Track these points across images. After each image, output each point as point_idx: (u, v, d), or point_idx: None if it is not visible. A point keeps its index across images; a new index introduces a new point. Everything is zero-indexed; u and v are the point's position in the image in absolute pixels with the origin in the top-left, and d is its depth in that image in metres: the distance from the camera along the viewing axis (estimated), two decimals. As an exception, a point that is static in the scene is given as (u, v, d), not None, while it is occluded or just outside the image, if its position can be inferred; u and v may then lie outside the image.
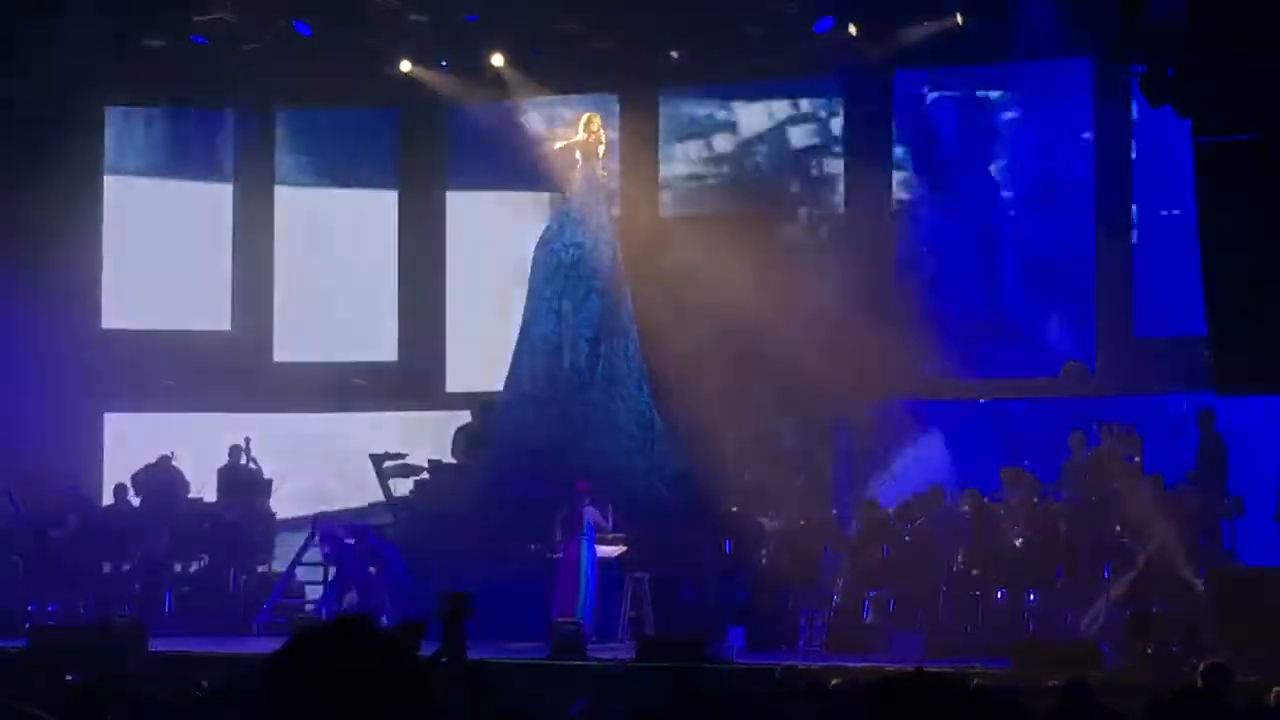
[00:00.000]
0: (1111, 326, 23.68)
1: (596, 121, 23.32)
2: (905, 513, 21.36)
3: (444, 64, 26.13)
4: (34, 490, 23.92)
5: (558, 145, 23.57)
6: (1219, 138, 16.55)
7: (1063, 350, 24.10)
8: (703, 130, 26.03)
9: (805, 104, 25.61)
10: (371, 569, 22.64)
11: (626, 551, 21.17)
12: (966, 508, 21.00)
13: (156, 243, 26.84)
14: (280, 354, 27.06)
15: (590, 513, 20.96)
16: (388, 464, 24.50)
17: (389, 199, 27.25)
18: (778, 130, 25.65)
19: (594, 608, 20.60)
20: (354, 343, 27.00)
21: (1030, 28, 23.10)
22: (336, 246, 27.15)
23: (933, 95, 25.04)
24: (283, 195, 27.26)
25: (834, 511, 22.10)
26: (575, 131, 23.36)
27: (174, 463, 24.68)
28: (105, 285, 26.80)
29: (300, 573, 24.23)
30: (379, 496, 24.59)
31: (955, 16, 23.70)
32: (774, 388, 24.00)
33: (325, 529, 23.24)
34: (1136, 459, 21.30)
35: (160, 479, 24.54)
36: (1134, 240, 23.73)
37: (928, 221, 24.91)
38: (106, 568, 23.78)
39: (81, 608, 23.12)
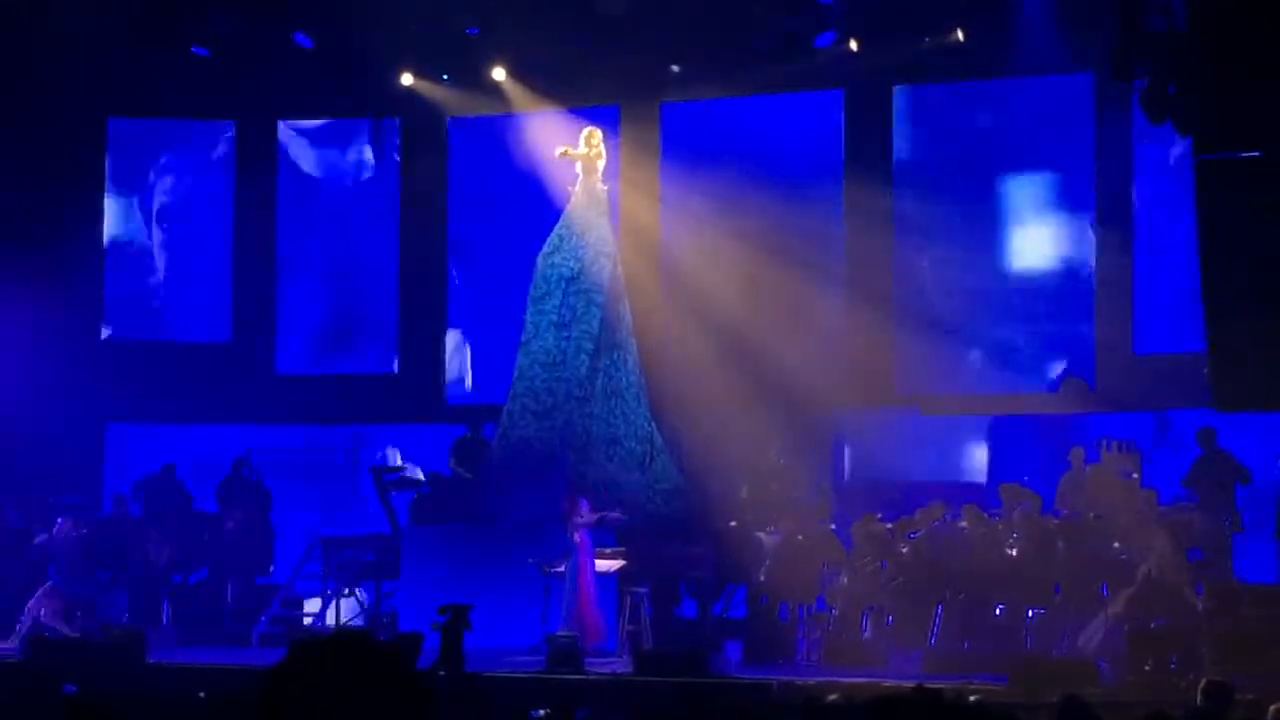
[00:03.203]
0: (1111, 342, 23.68)
1: (598, 136, 23.32)
2: (904, 528, 21.35)
3: (445, 77, 26.16)
4: (34, 500, 23.91)
5: (560, 151, 23.57)
6: (1219, 154, 16.56)
7: (1063, 366, 24.10)
8: (702, 143, 26.03)
9: (806, 117, 25.61)
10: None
11: (624, 566, 21.15)
12: (965, 523, 21.00)
13: (158, 254, 26.87)
14: (282, 366, 27.08)
15: (577, 524, 20.85)
16: (387, 477, 24.51)
17: (392, 210, 27.24)
18: (778, 143, 25.65)
19: (572, 622, 20.45)
20: (356, 355, 27.02)
21: (1031, 43, 23.12)
22: (339, 257, 27.18)
23: (933, 110, 25.05)
24: (284, 204, 27.28)
25: (832, 527, 22.08)
26: (576, 145, 23.38)
27: (175, 474, 24.70)
28: (106, 296, 26.83)
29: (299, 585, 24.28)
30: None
31: (957, 32, 23.73)
32: (773, 402, 24.01)
33: None
34: (1135, 475, 21.30)
35: (161, 490, 24.55)
36: (1134, 256, 23.74)
37: (928, 235, 24.91)
38: (104, 578, 23.77)
39: (79, 618, 23.09)
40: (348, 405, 26.31)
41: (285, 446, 26.03)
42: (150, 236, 27.04)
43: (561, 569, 20.81)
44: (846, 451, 24.26)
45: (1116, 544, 20.05)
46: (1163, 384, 22.48)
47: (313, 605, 24.05)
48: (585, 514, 20.85)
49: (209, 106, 26.73)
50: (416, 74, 25.96)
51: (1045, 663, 17.95)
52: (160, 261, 27.04)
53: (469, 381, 26.98)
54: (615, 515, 21.32)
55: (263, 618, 23.29)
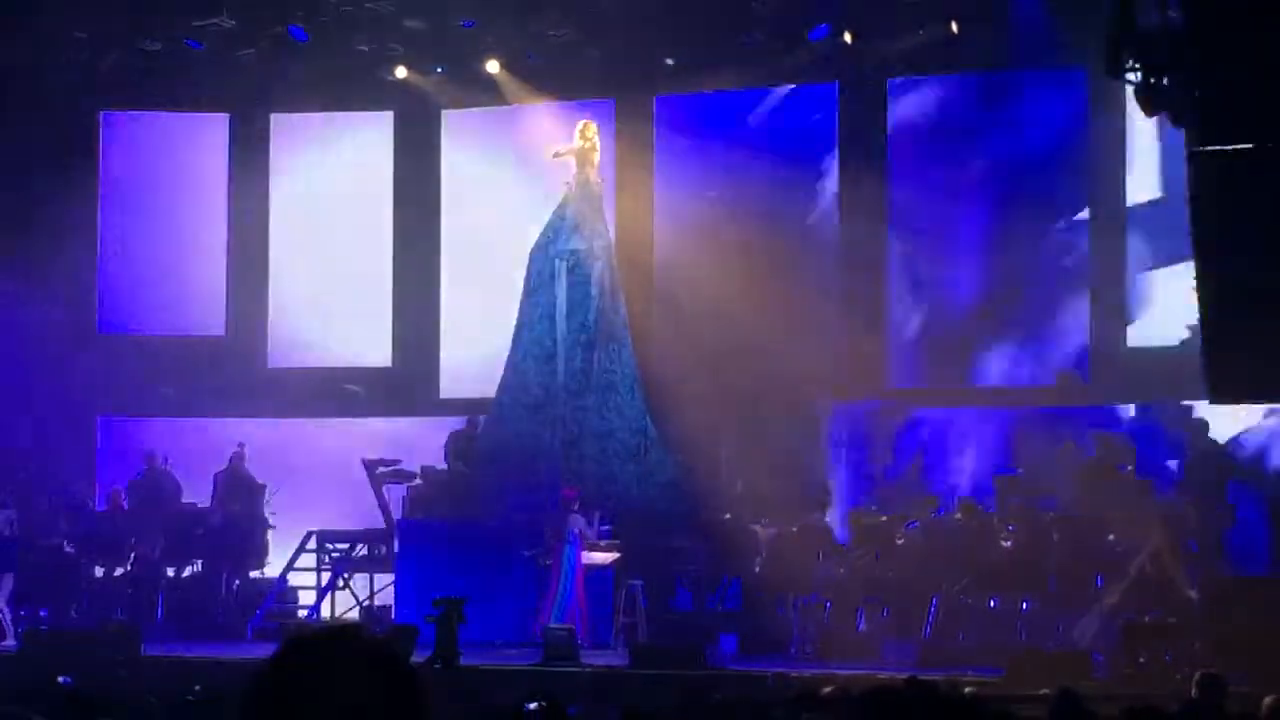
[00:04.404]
0: (1105, 335, 23.67)
1: (592, 128, 23.34)
2: (898, 520, 21.36)
3: (439, 69, 26.14)
4: (27, 495, 23.90)
5: (554, 153, 23.58)
6: (1213, 148, 16.55)
7: (1057, 358, 24.08)
8: (696, 136, 26.02)
9: (799, 110, 25.60)
10: None
11: (619, 558, 21.17)
12: (960, 515, 21.01)
13: (151, 248, 26.85)
14: (274, 359, 27.05)
15: (575, 520, 20.95)
16: (381, 470, 24.49)
17: (385, 203, 27.21)
18: (772, 136, 25.64)
19: (572, 615, 20.53)
20: (349, 348, 26.99)
21: (1025, 37, 23.11)
22: (332, 251, 27.13)
23: (928, 104, 25.04)
24: (278, 198, 27.23)
25: (827, 519, 22.09)
26: (571, 139, 23.38)
27: (167, 468, 24.66)
28: (100, 290, 26.80)
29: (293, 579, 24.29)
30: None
31: (950, 25, 23.71)
32: (768, 394, 24.02)
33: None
34: (1129, 468, 21.32)
35: (154, 484, 24.52)
36: (1128, 249, 23.72)
37: (921, 228, 24.90)
38: (99, 572, 23.76)
39: (74, 612, 23.09)
40: (342, 398, 26.26)
41: (280, 440, 25.99)
42: (143, 230, 26.98)
43: (551, 562, 20.86)
44: (842, 443, 24.26)
45: (1111, 537, 20.07)
46: (1157, 376, 22.47)
47: (307, 599, 24.06)
48: (582, 522, 20.94)
49: (202, 100, 26.69)
50: (410, 67, 25.94)
51: (1040, 655, 17.97)
52: (153, 255, 26.98)
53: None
54: (604, 546, 21.26)
55: (257, 612, 23.29)
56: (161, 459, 24.63)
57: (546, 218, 23.76)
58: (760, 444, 23.56)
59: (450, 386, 26.67)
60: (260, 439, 25.16)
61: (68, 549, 23.31)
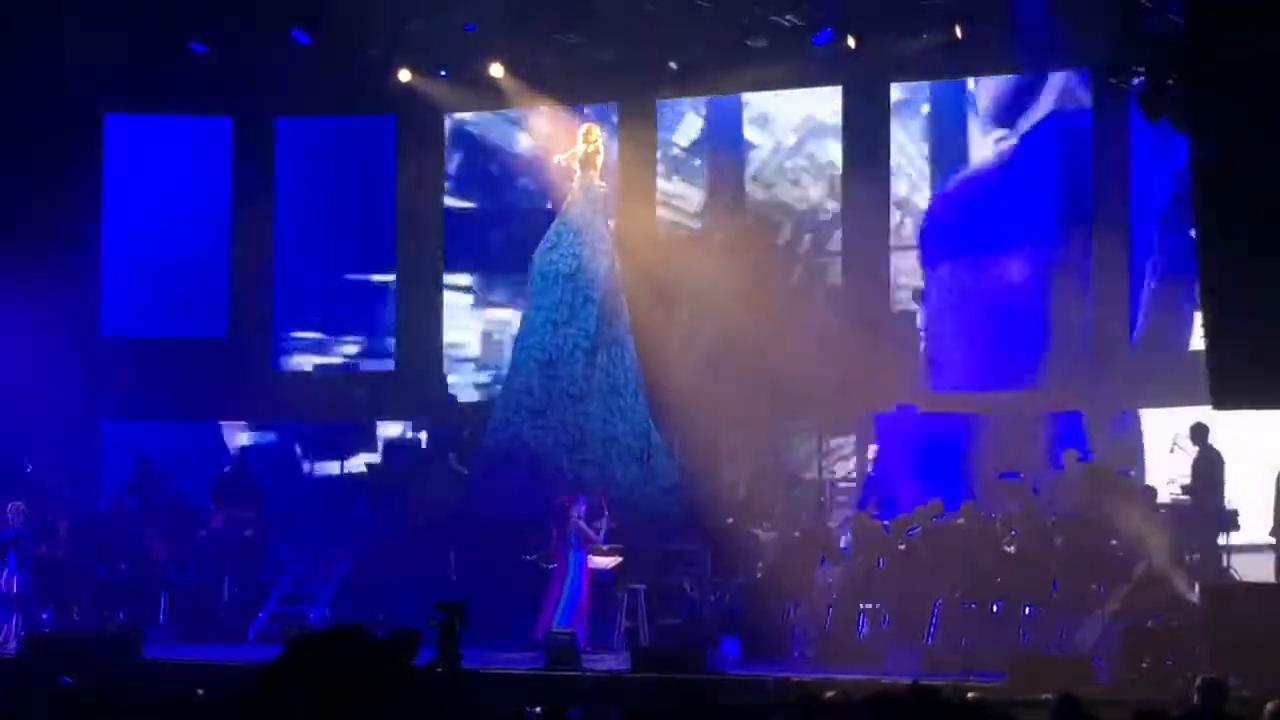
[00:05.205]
0: (1108, 339, 23.66)
1: (595, 132, 23.35)
2: (900, 525, 21.35)
3: (443, 73, 26.15)
4: (31, 497, 23.90)
5: (556, 157, 23.59)
6: (1216, 151, 16.55)
7: (1060, 361, 24.07)
8: (700, 140, 26.03)
9: (803, 114, 25.61)
10: None
11: (622, 563, 21.16)
12: (962, 520, 20.99)
13: (155, 250, 26.86)
14: (278, 362, 27.06)
15: (576, 523, 20.91)
16: (383, 473, 24.49)
17: (387, 208, 27.23)
18: (775, 140, 25.65)
19: (576, 619, 20.54)
20: (351, 351, 27.01)
21: (1029, 41, 23.12)
22: (334, 253, 27.16)
23: (931, 107, 25.05)
24: (281, 202, 27.25)
25: (829, 524, 22.08)
26: (574, 142, 23.39)
27: (169, 470, 24.66)
28: (104, 292, 26.81)
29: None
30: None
31: (954, 29, 23.72)
32: (770, 399, 24.01)
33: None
34: (1131, 473, 21.30)
35: (156, 486, 24.52)
36: (1131, 252, 23.72)
37: (926, 233, 24.92)
38: (102, 574, 23.75)
39: (76, 615, 23.08)
40: (345, 401, 26.28)
41: (282, 442, 26.03)
42: (147, 233, 26.99)
43: (555, 565, 20.84)
44: (844, 448, 24.24)
45: (1113, 541, 20.05)
46: (1160, 380, 22.46)
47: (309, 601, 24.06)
48: (584, 519, 20.90)
49: (206, 102, 26.70)
50: (414, 70, 25.94)
51: (1042, 660, 17.96)
52: (157, 258, 26.99)
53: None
54: (606, 550, 21.23)
55: (260, 614, 23.27)
56: (154, 461, 24.64)
57: (549, 221, 23.78)
58: (763, 448, 23.54)
59: (454, 390, 26.69)
60: (263, 440, 25.19)
61: (69, 551, 23.29)
